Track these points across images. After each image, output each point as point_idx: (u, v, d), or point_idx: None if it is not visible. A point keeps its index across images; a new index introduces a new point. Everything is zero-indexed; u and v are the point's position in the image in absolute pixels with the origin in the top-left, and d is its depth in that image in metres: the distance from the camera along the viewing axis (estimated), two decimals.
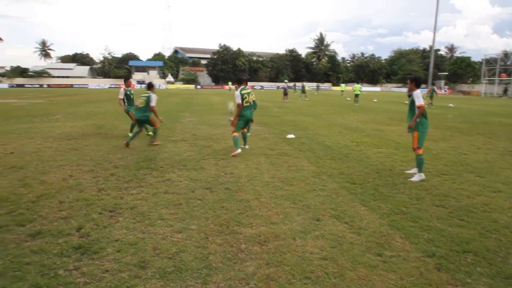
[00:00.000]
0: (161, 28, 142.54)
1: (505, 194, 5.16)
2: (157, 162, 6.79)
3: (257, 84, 73.18)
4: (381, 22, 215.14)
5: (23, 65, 74.36)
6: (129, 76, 11.19)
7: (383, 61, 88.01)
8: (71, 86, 66.69)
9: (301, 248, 3.39)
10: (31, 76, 69.89)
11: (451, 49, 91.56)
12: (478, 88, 60.50)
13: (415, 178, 5.78)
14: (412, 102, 5.76)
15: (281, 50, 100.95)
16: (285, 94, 28.30)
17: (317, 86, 53.89)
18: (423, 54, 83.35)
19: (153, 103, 8.29)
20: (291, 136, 10.08)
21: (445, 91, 63.91)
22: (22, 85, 64.53)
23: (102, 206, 4.43)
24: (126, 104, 10.02)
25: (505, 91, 52.03)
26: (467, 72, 72.47)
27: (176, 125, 12.41)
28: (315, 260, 3.17)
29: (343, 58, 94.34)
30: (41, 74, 70.35)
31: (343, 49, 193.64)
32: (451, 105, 26.43)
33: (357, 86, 27.73)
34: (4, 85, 63.49)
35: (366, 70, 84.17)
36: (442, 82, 70.02)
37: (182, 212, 4.27)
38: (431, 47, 73.19)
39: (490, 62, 57.62)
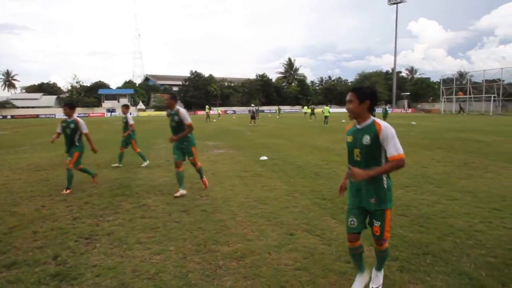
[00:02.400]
0: (131, 56, 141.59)
1: (461, 201, 5.63)
2: (132, 189, 6.82)
3: (229, 109, 74.10)
4: (346, 47, 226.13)
5: None
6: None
7: (350, 84, 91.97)
8: (37, 116, 64.55)
9: (276, 261, 3.58)
10: None
11: (411, 71, 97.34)
12: (438, 106, 64.27)
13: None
14: None
15: (252, 75, 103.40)
16: (252, 118, 29.05)
17: (309, 107, 51.48)
18: (386, 76, 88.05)
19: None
20: (264, 158, 10.37)
21: (406, 110, 67.62)
22: None
23: (77, 234, 4.43)
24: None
25: (461, 108, 55.65)
26: (427, 91, 77.08)
27: (150, 152, 12.40)
28: (289, 271, 3.37)
29: (312, 82, 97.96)
30: (4, 105, 67.80)
31: (311, 73, 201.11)
32: (413, 123, 27.97)
33: (326, 108, 28.89)
34: None
35: (334, 93, 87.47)
36: (406, 101, 73.96)
37: (159, 235, 4.36)
38: (393, 70, 77.68)
39: (447, 82, 61.75)
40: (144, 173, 8.42)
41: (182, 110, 6.54)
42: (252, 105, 38.31)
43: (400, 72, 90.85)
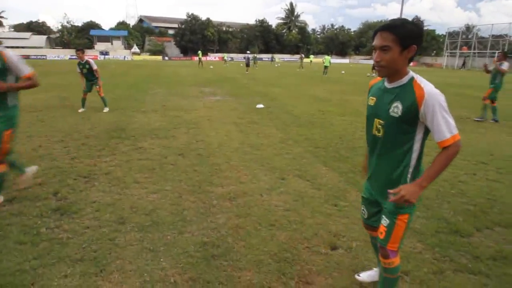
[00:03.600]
0: None
1: None
2: (128, 132, 6.88)
3: (227, 56, 72.03)
4: None
5: None
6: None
7: (352, 33, 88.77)
8: (28, 57, 62.42)
9: (267, 202, 3.77)
10: None
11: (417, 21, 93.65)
12: (441, 61, 62.94)
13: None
14: None
15: (251, 21, 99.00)
16: (247, 65, 28.43)
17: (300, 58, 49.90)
18: None
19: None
20: (260, 106, 10.36)
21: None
22: None
23: (76, 173, 4.56)
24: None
25: (464, 63, 54.60)
26: (431, 45, 74.88)
27: (145, 97, 12.28)
28: (279, 211, 3.56)
29: (313, 30, 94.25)
30: None
31: (313, 20, 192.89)
32: None
33: (327, 57, 28.07)
34: None
35: (336, 42, 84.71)
36: None
37: (156, 176, 4.51)
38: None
39: (453, 35, 59.77)
40: (139, 117, 8.43)
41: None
42: (248, 52, 37.20)
43: None
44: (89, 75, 9.06)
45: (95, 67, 9.01)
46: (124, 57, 61.82)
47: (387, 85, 1.87)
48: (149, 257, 2.74)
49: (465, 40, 59.54)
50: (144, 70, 30.00)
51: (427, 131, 1.81)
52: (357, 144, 6.26)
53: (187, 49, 72.57)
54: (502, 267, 2.72)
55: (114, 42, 72.67)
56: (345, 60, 79.56)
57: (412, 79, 1.78)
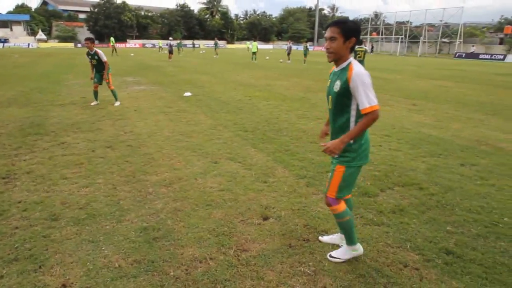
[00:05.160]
0: None
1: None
2: (47, 127, 6.43)
3: (148, 42, 68.46)
4: None
5: None
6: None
7: (274, 19, 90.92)
8: None
9: (202, 185, 3.99)
10: None
11: (333, 9, 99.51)
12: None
13: None
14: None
15: (172, 5, 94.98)
16: (170, 52, 27.55)
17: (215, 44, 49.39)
18: (309, 13, 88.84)
19: None
20: (188, 94, 10.35)
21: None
22: None
23: None
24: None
25: (372, 48, 60.05)
26: None
27: (60, 88, 11.35)
28: (214, 192, 3.81)
29: (236, 15, 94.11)
30: None
31: (235, 5, 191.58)
32: None
33: (254, 43, 28.33)
34: None
35: (259, 28, 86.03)
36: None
37: (85, 170, 4.40)
38: (316, 7, 78.43)
39: (363, 21, 64.98)
40: (57, 111, 7.86)
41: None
42: (170, 38, 35.86)
43: (323, 9, 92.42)
44: (99, 66, 8.40)
45: (104, 58, 8.32)
46: (28, 44, 54.90)
47: (335, 69, 2.41)
48: (89, 247, 2.79)
49: (374, 26, 65.21)
50: (55, 58, 27.20)
51: None
52: (282, 126, 6.75)
53: (102, 35, 67.11)
54: (400, 218, 3.35)
55: (14, 28, 63.88)
56: (269, 46, 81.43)
57: (349, 63, 2.30)
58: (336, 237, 2.94)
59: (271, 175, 4.30)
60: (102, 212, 3.33)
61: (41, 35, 62.37)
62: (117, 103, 8.70)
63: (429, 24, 54.95)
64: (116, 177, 4.18)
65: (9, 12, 68.47)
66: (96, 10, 66.92)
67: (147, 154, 5.03)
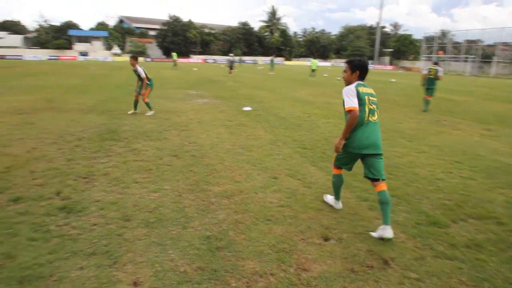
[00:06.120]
0: None
1: (427, 154, 6.23)
2: (120, 134, 7.01)
3: (210, 58, 71.89)
4: None
5: None
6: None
7: (333, 37, 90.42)
8: (4, 57, 60.43)
9: (262, 199, 4.04)
10: None
11: (395, 26, 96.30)
12: (418, 65, 64.99)
13: None
14: None
15: (233, 23, 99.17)
16: (231, 68, 28.44)
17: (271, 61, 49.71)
18: (370, 31, 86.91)
19: None
20: (248, 108, 10.63)
21: (387, 67, 67.89)
22: None
23: (75, 174, 4.69)
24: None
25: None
26: (409, 49, 77.13)
27: (131, 99, 12.31)
28: (274, 207, 3.84)
29: (295, 33, 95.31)
30: None
31: (294, 23, 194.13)
32: (393, 80, 28.54)
33: (314, 61, 28.28)
34: None
35: (317, 45, 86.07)
36: (387, 58, 74.13)
37: (153, 176, 4.70)
38: (377, 24, 76.54)
39: (429, 40, 61.96)
40: (129, 119, 8.54)
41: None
42: (231, 54, 37.22)
43: (384, 27, 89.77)
44: (140, 80, 9.31)
45: (142, 75, 9.13)
46: (105, 58, 60.74)
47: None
48: (157, 250, 2.96)
49: (441, 44, 61.76)
50: (127, 71, 29.69)
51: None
52: None
53: (169, 50, 71.97)
54: (475, 253, 3.08)
55: (94, 42, 71.24)
56: (327, 63, 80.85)
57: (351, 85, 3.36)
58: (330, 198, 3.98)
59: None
60: (169, 217, 3.52)
61: (116, 49, 68.69)
62: (149, 113, 9.31)
63: (504, 43, 50.76)
64: (182, 185, 4.40)
65: (91, 29, 76.51)
66: (165, 27, 72.14)
67: (209, 165, 5.23)
